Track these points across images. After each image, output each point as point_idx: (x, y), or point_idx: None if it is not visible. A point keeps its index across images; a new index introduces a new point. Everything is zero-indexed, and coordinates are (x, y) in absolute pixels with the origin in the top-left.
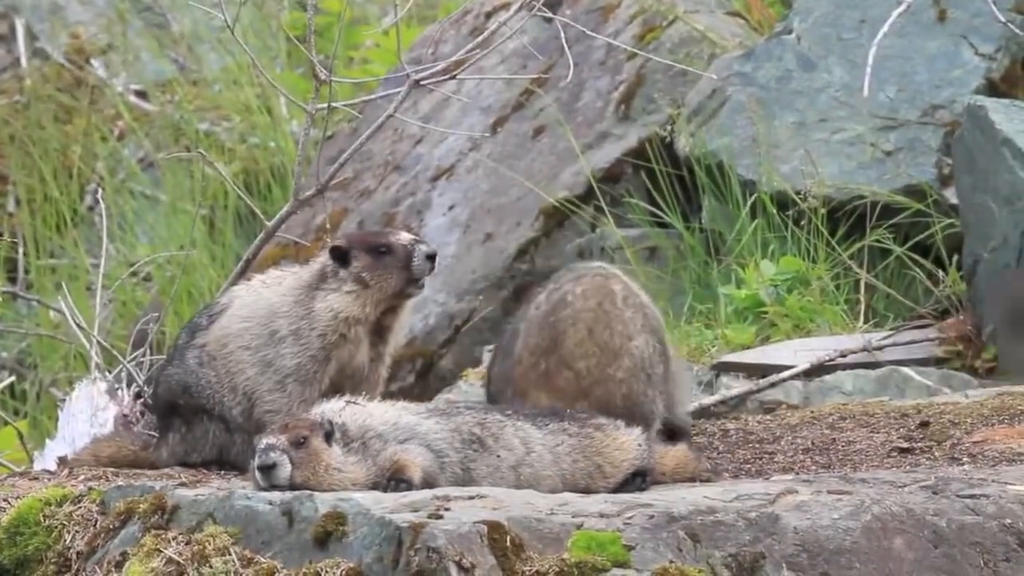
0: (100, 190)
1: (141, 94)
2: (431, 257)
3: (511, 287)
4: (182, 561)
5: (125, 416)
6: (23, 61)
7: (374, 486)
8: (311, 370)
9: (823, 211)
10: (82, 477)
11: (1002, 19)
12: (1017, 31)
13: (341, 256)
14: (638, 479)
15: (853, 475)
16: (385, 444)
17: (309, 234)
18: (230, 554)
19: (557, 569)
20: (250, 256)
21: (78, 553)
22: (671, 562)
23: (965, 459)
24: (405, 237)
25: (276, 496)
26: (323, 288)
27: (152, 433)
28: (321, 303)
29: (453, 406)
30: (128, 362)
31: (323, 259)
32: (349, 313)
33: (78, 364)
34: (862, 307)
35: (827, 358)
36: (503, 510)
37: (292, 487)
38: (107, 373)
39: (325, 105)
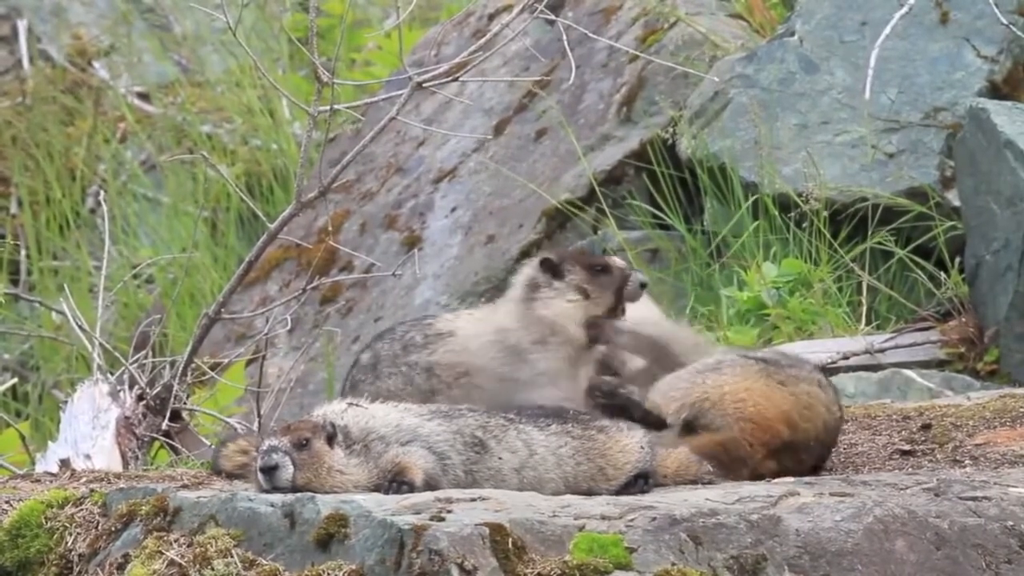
0: (102, 192)
1: (143, 96)
2: (643, 286)
3: None
4: (184, 563)
5: (127, 418)
6: (25, 63)
7: (376, 488)
8: (563, 372)
9: (825, 213)
10: (84, 479)
11: (1004, 21)
12: (1019, 33)
13: (552, 268)
14: (640, 481)
15: (855, 477)
16: (387, 446)
17: (311, 236)
18: (232, 556)
19: (559, 571)
20: (252, 258)
21: (80, 555)
22: (673, 564)
23: (967, 461)
24: (619, 261)
25: (278, 498)
26: (538, 298)
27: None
28: (546, 309)
29: (455, 408)
30: (130, 364)
31: (529, 272)
32: (577, 314)
33: (80, 366)
34: (864, 309)
35: (829, 360)
36: (505, 512)
37: (294, 489)
38: (109, 375)
39: (327, 107)
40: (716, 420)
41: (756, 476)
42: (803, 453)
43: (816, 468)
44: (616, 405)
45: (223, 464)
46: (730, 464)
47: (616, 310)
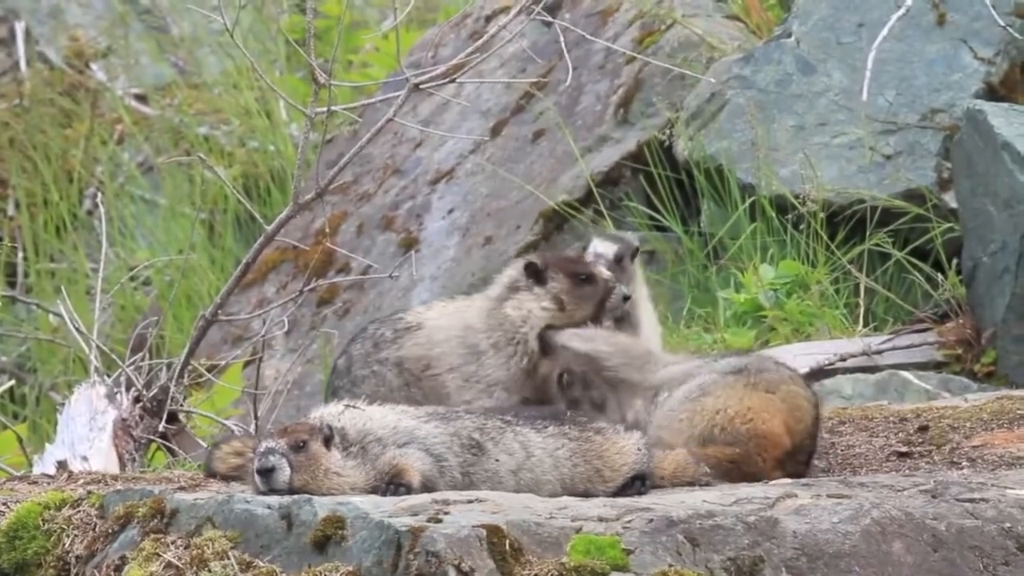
0: (100, 194)
1: (141, 98)
2: (626, 299)
3: None
4: (181, 565)
5: (124, 420)
6: (23, 65)
7: (373, 490)
8: (518, 381)
9: (822, 215)
10: (81, 481)
11: (1001, 23)
12: (1016, 35)
13: (536, 273)
14: (637, 483)
15: (852, 479)
16: (384, 448)
17: (308, 238)
18: (229, 558)
19: (556, 573)
20: (250, 260)
21: (77, 557)
22: (670, 566)
23: (964, 463)
24: (605, 272)
25: (275, 500)
26: (515, 297)
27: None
28: (515, 311)
29: (452, 410)
30: (127, 366)
31: (512, 273)
32: (541, 321)
33: (77, 368)
34: (861, 311)
35: (826, 362)
36: (502, 514)
37: (291, 491)
38: (106, 377)
39: (324, 109)
40: (727, 441)
41: None
42: (799, 454)
43: (807, 461)
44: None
45: (217, 466)
46: (740, 479)
47: (596, 321)
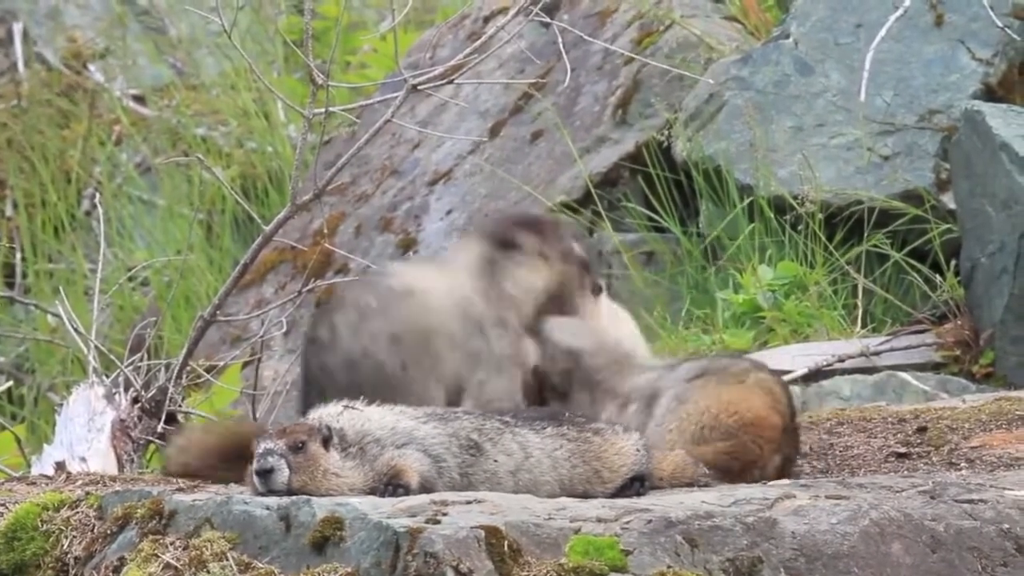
0: (98, 195)
1: (139, 99)
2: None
3: None
4: (180, 566)
5: (123, 421)
6: (21, 66)
7: (371, 491)
8: (516, 357)
9: (820, 216)
10: (79, 482)
11: (999, 24)
12: (1014, 36)
13: (505, 242)
14: (636, 484)
15: (851, 480)
16: (383, 449)
17: (306, 239)
18: (227, 559)
19: (555, 574)
20: (248, 261)
21: (76, 558)
22: (669, 567)
23: (963, 464)
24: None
25: (273, 501)
26: (503, 270)
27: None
28: (514, 288)
29: (451, 411)
30: (126, 367)
31: (478, 250)
32: (539, 283)
33: (76, 369)
34: (859, 312)
35: (825, 363)
36: (501, 515)
37: (290, 492)
38: (105, 378)
39: (322, 110)
40: (719, 438)
41: (763, 478)
42: (790, 434)
43: (797, 439)
44: None
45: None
46: (742, 470)
47: (583, 282)
